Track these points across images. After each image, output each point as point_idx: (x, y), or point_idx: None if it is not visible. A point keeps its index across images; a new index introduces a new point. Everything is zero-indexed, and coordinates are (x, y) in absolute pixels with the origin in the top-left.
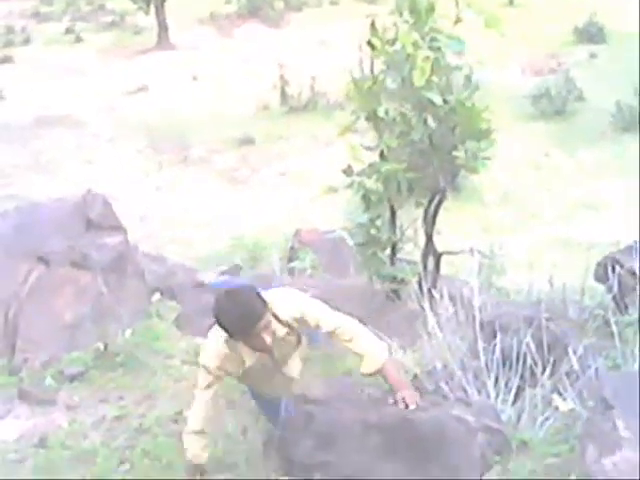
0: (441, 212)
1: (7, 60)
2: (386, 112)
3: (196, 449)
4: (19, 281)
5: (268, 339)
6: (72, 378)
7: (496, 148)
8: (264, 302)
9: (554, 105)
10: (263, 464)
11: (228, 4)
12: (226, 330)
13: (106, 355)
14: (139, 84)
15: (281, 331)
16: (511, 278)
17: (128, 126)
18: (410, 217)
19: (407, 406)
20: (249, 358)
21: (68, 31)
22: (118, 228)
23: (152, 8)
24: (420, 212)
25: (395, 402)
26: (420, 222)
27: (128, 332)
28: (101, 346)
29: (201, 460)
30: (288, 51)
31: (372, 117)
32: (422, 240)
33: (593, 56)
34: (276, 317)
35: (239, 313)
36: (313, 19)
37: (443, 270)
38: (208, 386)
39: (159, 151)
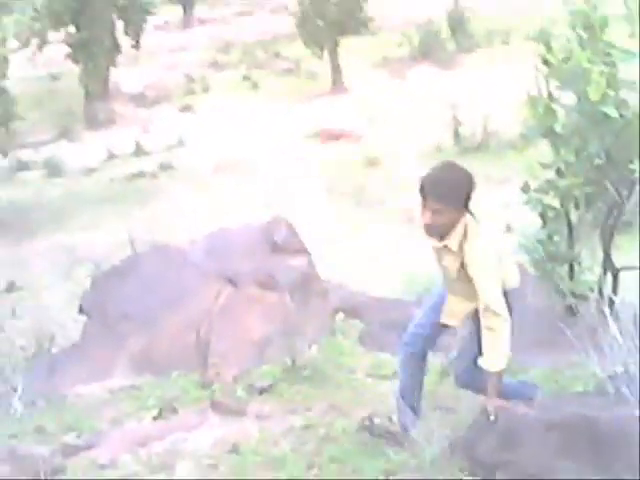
0: (615, 251)
1: (187, 108)
2: (563, 127)
3: None
4: (210, 301)
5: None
6: (262, 390)
7: None
8: None
9: None
10: (448, 464)
11: (400, 47)
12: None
13: (293, 369)
14: (315, 128)
15: (451, 243)
16: None
17: (305, 168)
18: (588, 234)
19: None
20: None
21: (245, 78)
22: (302, 251)
23: (325, 53)
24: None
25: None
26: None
27: (314, 348)
28: (288, 361)
29: None
30: (460, 92)
31: (549, 133)
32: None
33: None
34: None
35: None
36: (485, 60)
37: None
38: None
39: (335, 193)
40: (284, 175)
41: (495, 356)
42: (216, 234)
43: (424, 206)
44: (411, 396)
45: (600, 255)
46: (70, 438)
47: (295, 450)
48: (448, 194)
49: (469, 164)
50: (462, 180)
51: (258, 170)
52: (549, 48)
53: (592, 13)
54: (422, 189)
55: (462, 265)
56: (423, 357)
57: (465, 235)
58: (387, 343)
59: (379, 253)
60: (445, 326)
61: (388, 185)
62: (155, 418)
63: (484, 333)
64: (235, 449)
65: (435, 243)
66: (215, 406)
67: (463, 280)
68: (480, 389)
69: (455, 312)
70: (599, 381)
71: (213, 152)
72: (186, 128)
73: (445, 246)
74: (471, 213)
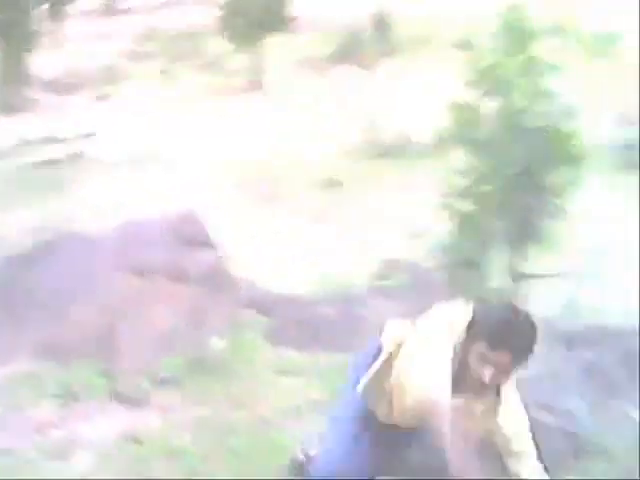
0: (523, 259)
1: (104, 98)
2: (484, 135)
3: None
4: (119, 291)
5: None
6: (165, 381)
7: (585, 175)
8: None
9: None
10: None
11: (322, 47)
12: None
13: (198, 361)
14: (232, 124)
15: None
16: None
17: (220, 164)
18: (499, 242)
19: None
20: None
21: (164, 71)
22: (213, 245)
23: (247, 50)
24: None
25: None
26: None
27: (220, 341)
28: (194, 353)
29: None
30: (379, 95)
31: (469, 140)
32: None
33: None
34: None
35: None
36: (405, 64)
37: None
38: None
39: (249, 189)
40: (197, 169)
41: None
42: (127, 225)
43: (485, 358)
44: None
45: (510, 262)
46: None
47: (195, 442)
48: (526, 354)
49: (384, 167)
50: (536, 339)
51: (172, 163)
52: (476, 56)
53: (521, 25)
54: (497, 337)
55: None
56: None
57: (497, 397)
58: (293, 340)
59: (290, 251)
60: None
61: (302, 183)
62: (56, 406)
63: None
64: (136, 439)
65: (456, 401)
66: (118, 396)
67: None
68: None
69: None
70: None
71: (127, 143)
72: (102, 117)
73: (497, 424)
74: None
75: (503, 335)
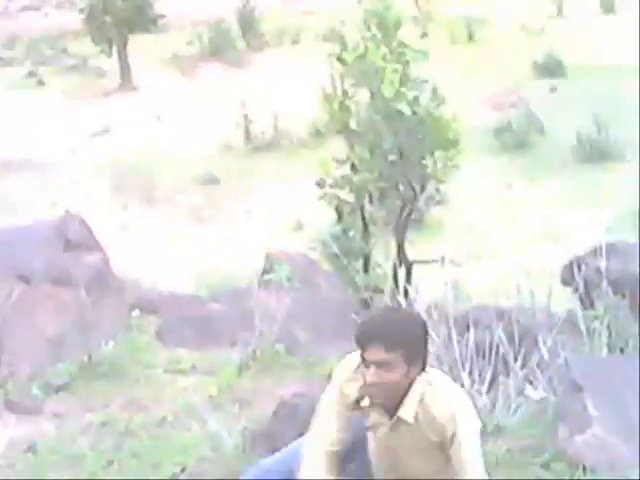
0: (407, 246)
1: None
2: (357, 124)
3: None
4: (1, 298)
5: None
6: (58, 388)
7: (461, 160)
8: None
9: (516, 138)
10: (249, 456)
11: (190, 45)
12: (417, 345)
13: (90, 366)
14: (103, 126)
15: (407, 414)
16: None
17: (93, 167)
18: (382, 229)
19: None
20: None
21: (30, 75)
22: (96, 247)
23: (114, 51)
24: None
25: None
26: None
27: (110, 344)
28: (85, 358)
29: None
30: (250, 90)
31: (344, 130)
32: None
33: (553, 90)
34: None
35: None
36: (275, 59)
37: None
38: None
39: (124, 191)
40: (71, 172)
41: None
42: (6, 230)
43: (365, 361)
44: None
45: (394, 249)
46: None
47: (94, 447)
48: (399, 339)
49: (260, 162)
50: (415, 323)
51: (45, 167)
52: (344, 46)
53: (386, 13)
54: (360, 337)
55: (430, 444)
56: None
57: (423, 402)
58: (184, 338)
59: (173, 249)
60: None
61: (180, 181)
62: None
63: None
64: (31, 448)
65: (377, 418)
66: (10, 405)
67: (425, 462)
68: None
69: None
70: None
71: None
72: None
73: (399, 418)
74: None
75: (366, 332)
